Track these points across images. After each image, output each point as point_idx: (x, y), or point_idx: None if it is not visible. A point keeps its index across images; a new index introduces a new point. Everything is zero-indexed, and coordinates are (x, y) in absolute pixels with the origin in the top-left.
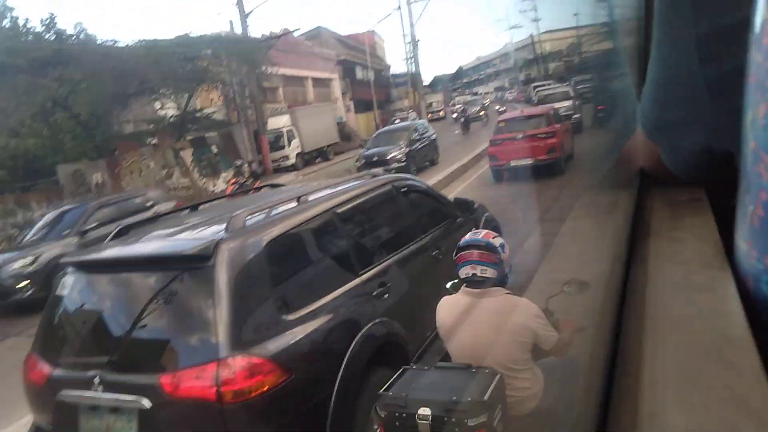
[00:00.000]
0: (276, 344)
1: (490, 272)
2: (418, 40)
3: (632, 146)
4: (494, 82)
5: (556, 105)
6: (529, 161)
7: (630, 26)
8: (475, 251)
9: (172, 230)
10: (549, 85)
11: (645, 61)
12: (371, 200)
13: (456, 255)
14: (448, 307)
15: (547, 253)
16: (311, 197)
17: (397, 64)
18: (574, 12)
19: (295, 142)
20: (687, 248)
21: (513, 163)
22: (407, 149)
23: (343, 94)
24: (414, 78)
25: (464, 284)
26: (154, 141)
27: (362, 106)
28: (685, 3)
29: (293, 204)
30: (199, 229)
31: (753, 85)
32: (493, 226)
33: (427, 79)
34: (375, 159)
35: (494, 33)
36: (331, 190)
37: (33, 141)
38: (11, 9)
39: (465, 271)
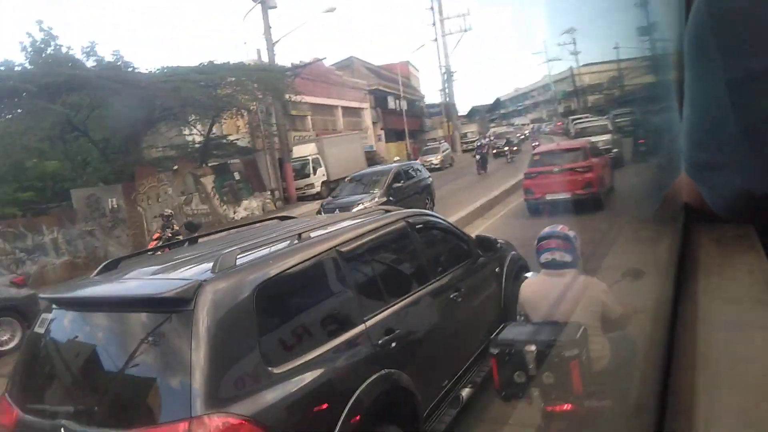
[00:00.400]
0: (259, 401)
1: (567, 257)
2: (453, 71)
3: (678, 182)
4: (532, 114)
5: (594, 138)
6: (565, 195)
7: (670, 61)
8: (554, 240)
9: (160, 266)
10: (587, 117)
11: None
12: (381, 238)
13: (537, 244)
14: (531, 286)
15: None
16: (315, 233)
17: (432, 94)
18: (614, 46)
19: (321, 170)
20: (738, 285)
21: (549, 197)
22: (384, 198)
23: (374, 123)
24: (448, 108)
25: (543, 269)
26: (175, 167)
27: (394, 135)
28: (711, 47)
29: (293, 241)
30: (187, 267)
31: None
32: (520, 266)
33: (464, 109)
34: (337, 211)
35: (532, 65)
36: (337, 226)
37: (57, 163)
38: (55, 37)
39: (546, 257)
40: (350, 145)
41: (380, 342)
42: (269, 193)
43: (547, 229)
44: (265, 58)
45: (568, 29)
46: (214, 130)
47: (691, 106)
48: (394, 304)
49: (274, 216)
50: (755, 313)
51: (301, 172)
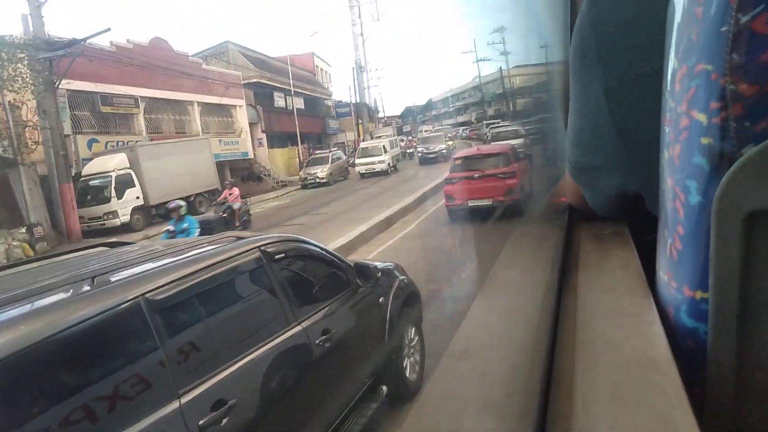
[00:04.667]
0: None
1: None
2: (363, 66)
3: (562, 184)
4: (463, 116)
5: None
6: (487, 202)
7: (559, 69)
8: None
9: None
10: (500, 123)
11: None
12: (219, 276)
13: None
14: None
15: (484, 284)
16: (118, 275)
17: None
18: (526, 51)
19: (133, 191)
20: (613, 277)
21: (470, 204)
22: None
23: (253, 124)
24: (358, 107)
25: None
26: None
27: (282, 139)
28: (593, 59)
29: (81, 288)
30: None
31: (668, 127)
32: (409, 293)
33: (398, 110)
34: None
35: (465, 64)
36: (158, 263)
37: None
38: None
39: None
40: (189, 155)
41: (203, 422)
42: (24, 230)
43: None
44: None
45: (498, 28)
46: None
47: (575, 112)
48: (228, 366)
49: (102, 242)
50: (625, 300)
51: (97, 196)
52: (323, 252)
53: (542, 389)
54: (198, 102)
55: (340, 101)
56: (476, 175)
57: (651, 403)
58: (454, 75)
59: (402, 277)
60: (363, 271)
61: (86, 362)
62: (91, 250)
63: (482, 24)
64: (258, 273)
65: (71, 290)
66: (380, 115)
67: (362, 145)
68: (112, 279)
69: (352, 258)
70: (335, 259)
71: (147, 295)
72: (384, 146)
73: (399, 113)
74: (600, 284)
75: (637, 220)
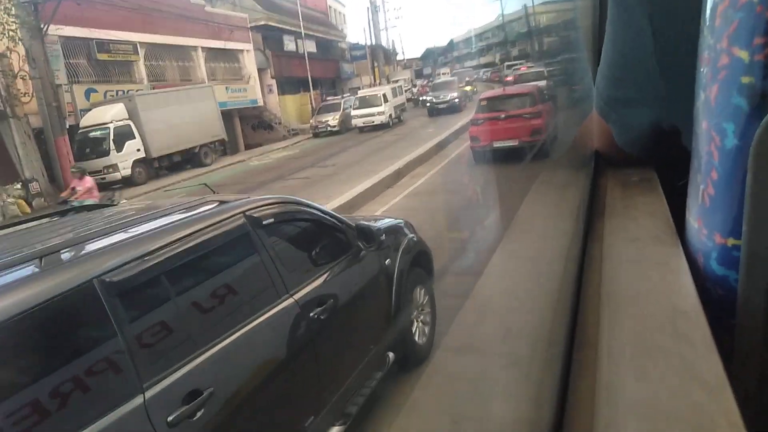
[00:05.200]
0: None
1: None
2: (378, 5)
3: (587, 127)
4: (485, 57)
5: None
6: (513, 143)
7: (586, 5)
8: None
9: None
10: (521, 64)
11: (600, 42)
12: (192, 250)
13: None
14: None
15: (507, 230)
16: (70, 253)
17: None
18: None
19: (133, 144)
20: (640, 226)
21: (496, 145)
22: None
23: (261, 70)
24: (374, 50)
25: None
26: None
27: (295, 85)
28: None
29: (28, 269)
30: None
31: (705, 66)
32: (418, 252)
33: (418, 51)
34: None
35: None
36: (118, 237)
37: None
38: None
39: None
40: (193, 104)
41: (172, 417)
42: (20, 185)
43: None
44: None
45: None
46: None
47: (612, 44)
48: (204, 351)
49: (74, 207)
50: (652, 249)
51: (96, 149)
52: (320, 214)
53: (566, 340)
54: (202, 47)
55: (356, 44)
56: (502, 116)
57: (678, 354)
58: (476, 14)
59: (411, 235)
60: (365, 232)
61: (27, 358)
62: (62, 218)
63: None
64: (242, 242)
65: (14, 272)
66: (400, 57)
67: (359, 93)
68: (66, 257)
69: (360, 214)
70: (335, 222)
71: (103, 276)
72: (384, 94)
73: (419, 55)
74: (627, 233)
75: (665, 165)
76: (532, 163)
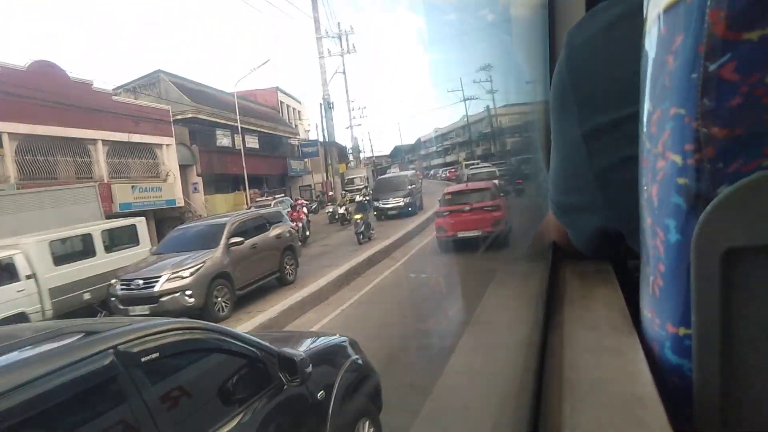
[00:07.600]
0: None
1: None
2: (332, 102)
3: (546, 222)
4: (450, 156)
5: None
6: (476, 233)
7: (539, 110)
8: None
9: None
10: (478, 164)
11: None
12: (35, 403)
13: None
14: None
15: (471, 319)
16: None
17: (341, 133)
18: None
19: None
20: (597, 315)
21: (460, 235)
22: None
23: (187, 166)
24: (327, 147)
25: None
26: None
27: (227, 182)
28: (571, 104)
29: None
30: None
31: (645, 168)
32: (362, 378)
33: (386, 149)
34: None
35: (452, 103)
36: None
37: None
38: None
39: None
40: (58, 209)
41: None
42: None
43: None
44: None
45: (484, 66)
46: None
47: (556, 154)
48: None
49: None
50: (611, 338)
51: None
52: (232, 341)
53: (530, 429)
54: (104, 140)
55: (306, 140)
56: (466, 208)
57: None
58: (441, 115)
59: (354, 357)
60: (288, 363)
61: None
62: None
63: (469, 61)
64: (107, 388)
65: None
66: (368, 155)
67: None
68: None
69: (299, 329)
70: (252, 350)
71: None
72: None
73: (388, 153)
74: (585, 322)
75: (620, 258)
76: (494, 252)
